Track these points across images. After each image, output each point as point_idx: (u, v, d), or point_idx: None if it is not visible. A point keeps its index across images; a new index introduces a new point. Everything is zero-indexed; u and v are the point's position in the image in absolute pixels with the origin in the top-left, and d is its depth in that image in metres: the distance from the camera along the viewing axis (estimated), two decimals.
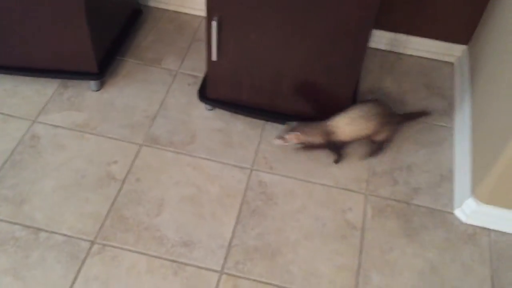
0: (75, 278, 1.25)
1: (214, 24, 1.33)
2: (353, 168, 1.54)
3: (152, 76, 1.74)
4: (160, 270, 1.29)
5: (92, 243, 1.32)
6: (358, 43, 1.35)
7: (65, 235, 1.33)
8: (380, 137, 1.52)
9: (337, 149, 1.53)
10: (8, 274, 1.25)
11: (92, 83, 1.66)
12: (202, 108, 1.66)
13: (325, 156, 1.56)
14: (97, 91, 1.67)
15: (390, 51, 1.91)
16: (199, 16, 1.96)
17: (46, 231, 1.33)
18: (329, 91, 1.48)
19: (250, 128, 1.62)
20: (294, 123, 1.47)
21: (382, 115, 1.48)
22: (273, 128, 1.61)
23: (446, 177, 1.54)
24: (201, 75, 1.75)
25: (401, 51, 1.90)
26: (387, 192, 1.49)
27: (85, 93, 1.67)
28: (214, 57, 1.42)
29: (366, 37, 1.34)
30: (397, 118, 1.57)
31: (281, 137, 1.46)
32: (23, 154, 1.49)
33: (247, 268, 1.31)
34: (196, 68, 1.78)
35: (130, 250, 1.32)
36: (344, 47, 1.35)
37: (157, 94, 1.69)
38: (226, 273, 1.29)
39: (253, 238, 1.37)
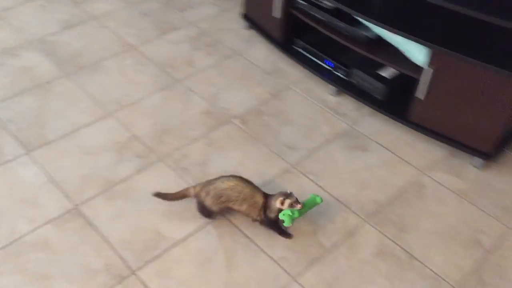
0: None
1: None
2: None
3: None
4: None
5: None
6: None
7: (432, 271, 1.59)
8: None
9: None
10: (385, 278, 1.56)
11: (478, 160, 1.91)
12: None
13: None
14: (478, 168, 1.92)
15: None
16: None
17: (419, 261, 1.61)
18: None
19: None
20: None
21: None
22: None
23: None
24: None
25: None
26: None
27: (468, 166, 1.93)
28: None
29: None
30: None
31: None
32: (409, 194, 1.82)
33: None
34: None
35: None
36: None
37: None
38: None
39: None
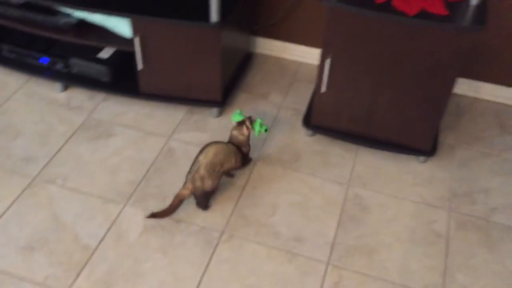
0: (210, 259, 1.55)
1: (328, 61, 1.67)
2: (437, 189, 1.79)
3: (261, 107, 2.09)
4: (277, 257, 1.56)
5: (222, 233, 1.63)
6: (444, 85, 1.64)
7: (198, 225, 1.64)
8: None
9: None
10: (158, 251, 1.56)
11: (214, 110, 2.02)
12: (303, 134, 1.97)
13: (412, 177, 1.82)
14: (217, 117, 2.03)
15: (466, 95, 2.18)
16: (297, 62, 2.33)
17: (185, 222, 1.65)
18: (415, 124, 1.76)
19: (345, 151, 1.91)
20: None
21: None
22: (365, 152, 1.90)
23: None
24: (301, 107, 2.08)
25: (476, 95, 2.17)
26: (467, 210, 1.72)
27: (208, 118, 2.03)
28: (323, 89, 1.75)
29: (451, 80, 1.63)
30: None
31: None
32: (162, 162, 1.84)
33: (349, 261, 1.56)
34: (297, 102, 2.12)
35: (252, 241, 1.61)
36: (431, 86, 1.65)
37: (265, 122, 2.03)
38: (332, 264, 1.55)
39: (352, 239, 1.63)
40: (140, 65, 1.89)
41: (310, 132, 1.96)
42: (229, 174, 1.78)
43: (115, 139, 1.92)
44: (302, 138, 1.97)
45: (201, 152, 1.65)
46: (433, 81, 1.63)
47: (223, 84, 1.98)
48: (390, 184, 1.80)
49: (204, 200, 1.67)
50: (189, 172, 1.63)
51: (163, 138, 1.94)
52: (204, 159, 1.62)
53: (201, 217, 1.67)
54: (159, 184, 1.77)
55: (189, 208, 1.69)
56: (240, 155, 1.73)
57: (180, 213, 1.67)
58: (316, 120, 1.89)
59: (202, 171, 1.61)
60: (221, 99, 1.99)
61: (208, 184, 1.63)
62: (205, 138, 1.94)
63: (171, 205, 1.64)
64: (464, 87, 2.17)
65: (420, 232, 1.66)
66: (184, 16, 1.77)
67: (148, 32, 1.81)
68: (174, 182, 1.77)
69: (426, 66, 1.61)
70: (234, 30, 1.99)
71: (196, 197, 1.66)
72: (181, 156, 1.87)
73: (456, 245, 1.62)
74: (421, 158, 1.87)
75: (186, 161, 1.85)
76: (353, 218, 1.69)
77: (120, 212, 1.67)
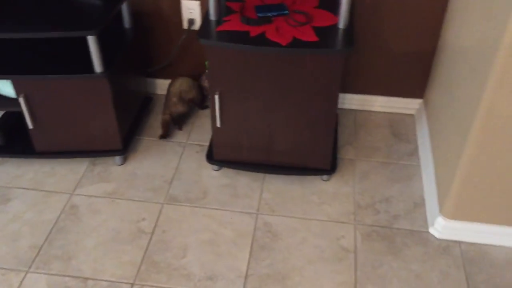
0: None
1: (216, 97, 1.70)
2: (341, 204, 1.85)
3: (165, 149, 2.08)
4: None
5: (132, 285, 1.58)
6: (328, 104, 1.71)
7: (108, 280, 1.59)
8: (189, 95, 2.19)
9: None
10: None
11: (117, 158, 1.99)
12: (210, 169, 1.98)
13: (317, 197, 1.87)
14: (121, 165, 2.00)
15: (361, 110, 2.29)
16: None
17: (93, 279, 1.59)
18: (311, 145, 1.82)
19: (252, 181, 1.94)
20: None
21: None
22: (272, 179, 1.94)
23: (419, 204, 1.85)
24: (205, 143, 2.10)
25: (370, 109, 2.29)
26: (371, 221, 1.79)
27: (111, 167, 1.99)
28: (218, 124, 1.78)
29: (334, 99, 1.71)
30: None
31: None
32: (66, 221, 1.78)
33: None
34: (201, 139, 2.13)
35: (164, 287, 1.58)
36: (318, 107, 1.72)
37: (171, 162, 2.02)
38: None
39: (265, 268, 1.64)
40: (30, 124, 1.83)
41: (215, 167, 1.97)
42: (199, 105, 2.24)
43: (14, 204, 1.84)
44: (209, 173, 1.98)
45: (170, 85, 2.14)
46: (318, 102, 1.70)
47: (122, 131, 1.96)
48: (298, 207, 1.84)
49: (180, 122, 2.16)
50: (165, 102, 2.13)
51: (65, 195, 1.88)
52: (173, 89, 2.11)
53: (110, 272, 1.62)
54: (63, 244, 1.70)
55: (97, 263, 1.64)
56: (199, 90, 2.20)
57: (87, 271, 1.62)
58: (219, 155, 1.91)
59: (173, 98, 2.10)
60: (122, 147, 1.97)
61: (179, 108, 2.11)
62: (111, 188, 1.90)
63: (163, 129, 2.11)
64: (358, 102, 2.28)
65: (329, 250, 1.70)
66: (67, 70, 1.75)
67: (32, 90, 1.76)
68: (79, 239, 1.71)
69: (308, 89, 1.68)
70: (125, 75, 1.98)
71: (173, 120, 2.13)
72: (85, 211, 1.82)
73: (363, 257, 1.67)
74: (324, 176, 1.93)
75: (91, 215, 1.80)
76: (264, 246, 1.71)
77: (22, 280, 1.58)
